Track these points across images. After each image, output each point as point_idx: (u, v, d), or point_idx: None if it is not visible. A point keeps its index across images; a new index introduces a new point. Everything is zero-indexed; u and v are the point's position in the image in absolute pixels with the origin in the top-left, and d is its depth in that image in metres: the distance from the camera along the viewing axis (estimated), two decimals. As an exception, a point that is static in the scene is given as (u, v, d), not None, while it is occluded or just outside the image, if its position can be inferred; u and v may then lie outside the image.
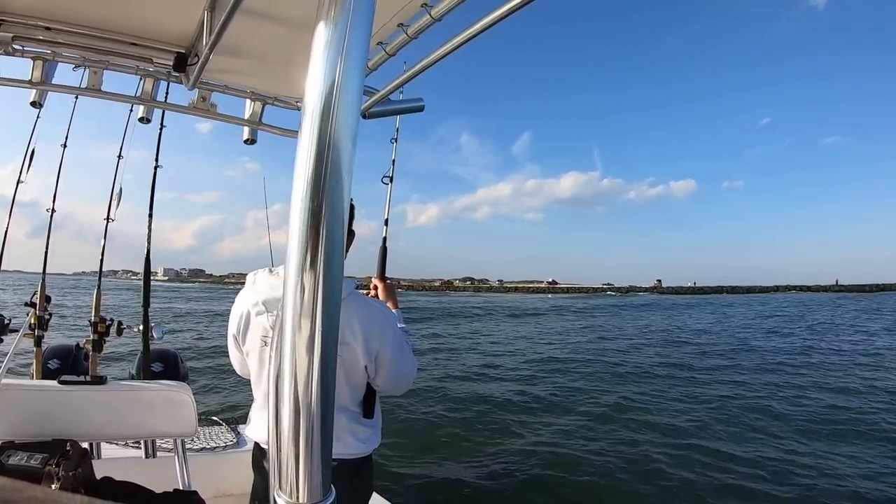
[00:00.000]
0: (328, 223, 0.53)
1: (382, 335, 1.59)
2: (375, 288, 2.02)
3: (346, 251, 1.69)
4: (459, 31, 1.34)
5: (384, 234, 2.28)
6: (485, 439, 6.71)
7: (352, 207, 1.71)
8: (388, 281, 2.05)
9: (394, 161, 2.35)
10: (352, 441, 1.60)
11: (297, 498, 0.57)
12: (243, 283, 1.64)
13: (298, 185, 0.53)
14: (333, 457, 1.62)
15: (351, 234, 1.73)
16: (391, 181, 2.34)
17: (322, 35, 0.54)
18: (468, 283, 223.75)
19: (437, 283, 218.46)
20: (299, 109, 1.88)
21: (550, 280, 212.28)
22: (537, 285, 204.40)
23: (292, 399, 0.56)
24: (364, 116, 2.07)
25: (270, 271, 1.60)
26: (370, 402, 1.65)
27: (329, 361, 0.56)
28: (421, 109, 2.24)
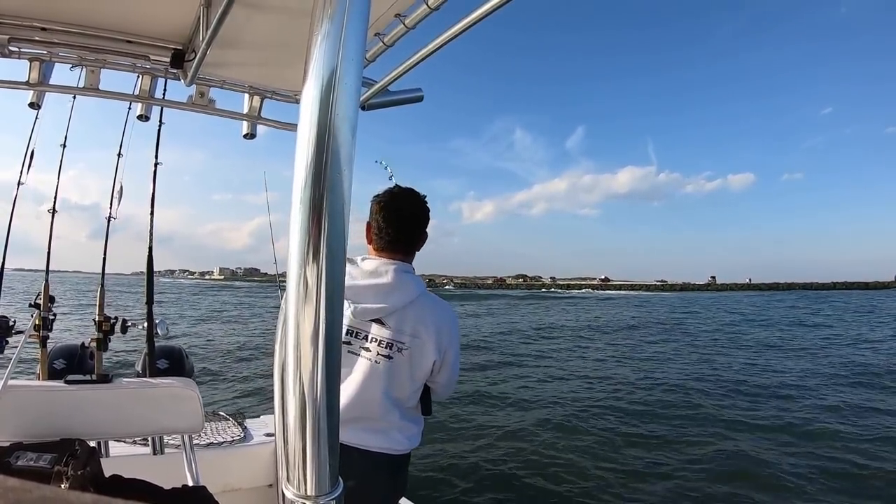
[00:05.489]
0: (330, 215, 0.53)
1: (450, 335, 1.66)
2: None
3: (418, 250, 1.77)
4: (458, 20, 1.33)
5: None
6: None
7: (427, 210, 1.76)
8: None
9: None
10: (400, 437, 1.64)
11: (305, 490, 0.57)
12: None
13: (299, 178, 0.53)
14: (381, 451, 1.68)
15: (424, 235, 1.77)
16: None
17: (319, 27, 0.54)
18: (521, 280, 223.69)
19: (489, 281, 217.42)
20: (298, 102, 1.87)
21: (603, 277, 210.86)
22: (590, 282, 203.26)
23: (298, 392, 0.55)
24: (363, 108, 2.06)
25: (349, 260, 1.62)
26: (427, 400, 1.70)
27: (334, 353, 0.56)
28: (420, 100, 2.22)
